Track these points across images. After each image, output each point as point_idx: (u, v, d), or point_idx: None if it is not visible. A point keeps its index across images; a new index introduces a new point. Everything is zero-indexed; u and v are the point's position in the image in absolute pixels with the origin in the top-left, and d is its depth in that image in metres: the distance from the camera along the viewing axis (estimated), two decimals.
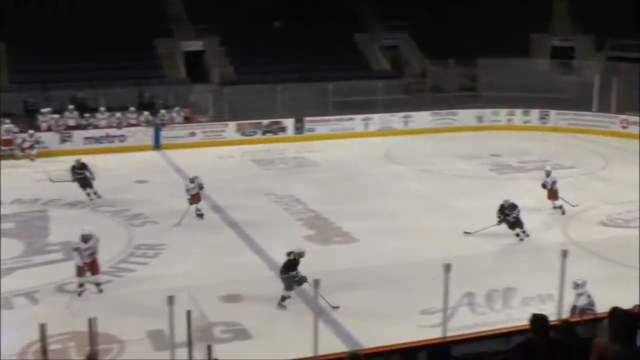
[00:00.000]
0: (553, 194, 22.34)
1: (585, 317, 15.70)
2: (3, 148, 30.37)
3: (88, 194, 24.21)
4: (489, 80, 37.29)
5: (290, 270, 15.82)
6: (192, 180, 22.33)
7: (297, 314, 15.03)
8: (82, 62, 35.76)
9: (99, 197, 24.22)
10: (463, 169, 28.44)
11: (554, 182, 22.31)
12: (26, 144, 30.48)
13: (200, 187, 22.21)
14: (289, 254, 16.01)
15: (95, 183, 24.30)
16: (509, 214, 19.75)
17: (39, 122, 31.74)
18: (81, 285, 16.42)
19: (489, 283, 16.37)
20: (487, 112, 37.09)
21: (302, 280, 15.61)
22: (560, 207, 22.25)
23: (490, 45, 37.54)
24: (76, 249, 16.51)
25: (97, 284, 16.63)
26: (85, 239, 16.42)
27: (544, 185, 22.35)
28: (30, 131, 30.56)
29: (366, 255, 18.73)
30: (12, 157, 30.15)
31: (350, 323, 14.71)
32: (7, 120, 31.15)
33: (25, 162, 29.74)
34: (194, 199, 22.01)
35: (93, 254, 16.52)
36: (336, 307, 15.32)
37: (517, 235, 19.80)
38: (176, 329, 11.86)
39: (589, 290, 14.62)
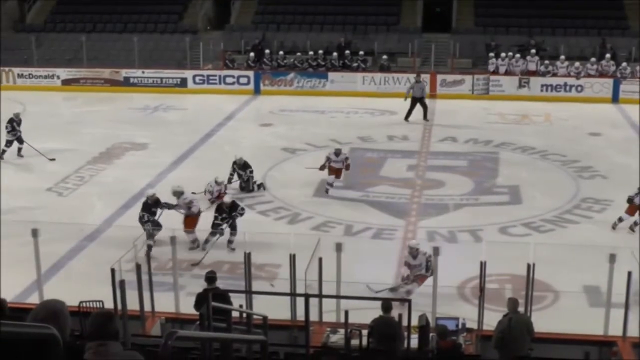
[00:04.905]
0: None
1: None
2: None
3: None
4: None
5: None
6: (337, 153, 20.00)
7: None
8: (544, 9, 35.70)
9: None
10: None
11: None
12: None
13: (346, 165, 20.02)
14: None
15: None
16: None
17: (497, 65, 32.39)
18: None
19: None
20: None
21: None
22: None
23: None
24: None
25: None
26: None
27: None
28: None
29: None
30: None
31: None
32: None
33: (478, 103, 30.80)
34: (333, 172, 19.83)
35: None
36: None
37: None
38: (614, 289, 11.61)
39: None
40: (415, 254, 13.75)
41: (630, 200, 17.10)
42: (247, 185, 19.82)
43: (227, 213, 16.16)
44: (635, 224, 17.08)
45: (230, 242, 15.85)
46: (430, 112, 28.89)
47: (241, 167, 19.82)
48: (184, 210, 16.38)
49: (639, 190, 17.06)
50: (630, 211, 17.11)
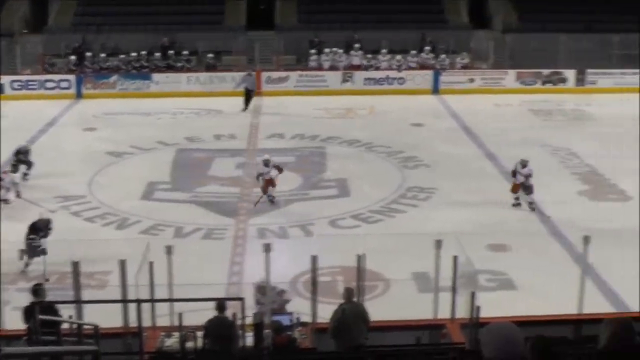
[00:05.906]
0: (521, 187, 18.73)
1: None
2: None
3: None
4: None
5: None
6: (266, 164, 18.79)
7: (563, 268, 14.59)
8: (365, 4, 36.41)
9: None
10: None
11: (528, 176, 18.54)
12: None
13: (279, 169, 18.88)
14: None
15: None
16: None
17: (322, 61, 32.86)
18: None
19: None
20: None
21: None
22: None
23: None
24: None
25: None
26: None
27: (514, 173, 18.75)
28: None
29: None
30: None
31: (618, 284, 14.01)
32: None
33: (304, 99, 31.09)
34: (268, 184, 18.67)
35: None
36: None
37: None
38: (441, 273, 12.01)
39: None
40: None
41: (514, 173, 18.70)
42: (30, 171, 20.31)
43: (43, 230, 15.14)
44: (531, 202, 18.37)
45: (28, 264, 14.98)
46: (256, 109, 29.05)
47: (26, 154, 20.25)
48: None
49: (515, 169, 18.69)
50: (514, 189, 18.67)
